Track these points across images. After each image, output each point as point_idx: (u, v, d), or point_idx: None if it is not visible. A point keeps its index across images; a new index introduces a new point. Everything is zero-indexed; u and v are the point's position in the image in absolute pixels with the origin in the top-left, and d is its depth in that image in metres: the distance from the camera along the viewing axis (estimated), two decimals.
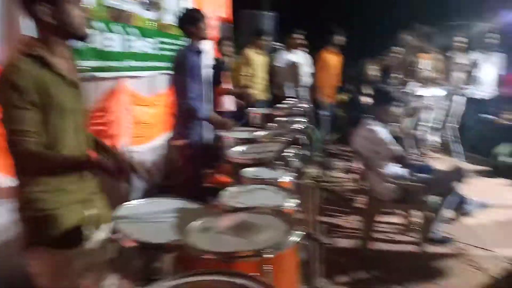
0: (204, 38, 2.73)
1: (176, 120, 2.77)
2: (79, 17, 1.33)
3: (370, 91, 4.97)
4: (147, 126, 3.42)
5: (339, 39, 5.23)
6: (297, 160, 2.34)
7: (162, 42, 3.82)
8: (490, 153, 4.78)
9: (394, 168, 2.89)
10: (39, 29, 1.31)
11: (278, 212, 1.42)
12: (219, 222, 1.35)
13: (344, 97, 5.86)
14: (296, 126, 2.95)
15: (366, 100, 5.16)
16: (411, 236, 3.08)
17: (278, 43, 5.83)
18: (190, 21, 2.70)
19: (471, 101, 5.14)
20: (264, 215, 1.39)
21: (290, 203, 1.57)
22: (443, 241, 2.96)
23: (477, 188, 3.69)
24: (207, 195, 1.86)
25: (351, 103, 5.63)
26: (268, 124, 3.17)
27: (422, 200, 2.78)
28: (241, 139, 2.87)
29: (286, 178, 1.98)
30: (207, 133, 2.81)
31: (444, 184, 2.88)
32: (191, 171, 2.66)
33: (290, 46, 5.10)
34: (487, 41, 5.08)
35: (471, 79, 5.08)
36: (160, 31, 3.82)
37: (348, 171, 4.70)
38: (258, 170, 2.12)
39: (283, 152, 2.35)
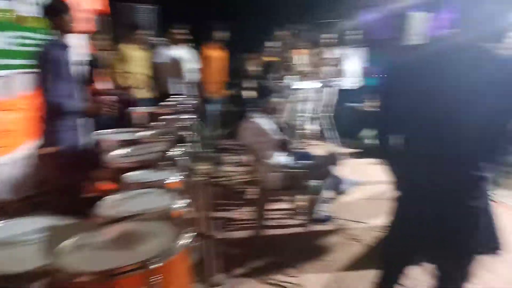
0: (69, 32, 2.47)
1: (45, 124, 2.44)
2: None
3: (253, 85, 5.17)
4: (7, 133, 2.95)
5: (221, 34, 5.27)
6: (185, 158, 2.29)
7: (21, 37, 3.32)
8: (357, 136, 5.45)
9: (279, 158, 3.06)
10: None
11: (165, 215, 1.35)
12: (97, 237, 1.23)
13: (231, 92, 5.97)
14: (183, 123, 2.88)
15: (248, 94, 5.35)
16: (299, 219, 3.31)
17: (160, 38, 5.60)
18: (53, 13, 2.41)
19: (341, 92, 5.76)
20: (150, 221, 1.31)
21: (179, 204, 1.52)
22: (325, 219, 3.26)
23: (349, 168, 4.15)
24: (87, 206, 1.69)
25: (238, 98, 5.77)
26: (153, 123, 3.04)
27: (305, 185, 3.01)
28: (123, 141, 2.69)
29: (175, 178, 1.92)
30: (83, 137, 2.55)
31: (323, 168, 3.16)
32: (66, 182, 2.38)
33: (173, 41, 4.94)
34: (351, 37, 5.74)
35: (339, 71, 5.69)
36: (18, 24, 3.30)
37: (239, 164, 4.82)
38: (143, 173, 2.02)
39: (169, 151, 2.27)
